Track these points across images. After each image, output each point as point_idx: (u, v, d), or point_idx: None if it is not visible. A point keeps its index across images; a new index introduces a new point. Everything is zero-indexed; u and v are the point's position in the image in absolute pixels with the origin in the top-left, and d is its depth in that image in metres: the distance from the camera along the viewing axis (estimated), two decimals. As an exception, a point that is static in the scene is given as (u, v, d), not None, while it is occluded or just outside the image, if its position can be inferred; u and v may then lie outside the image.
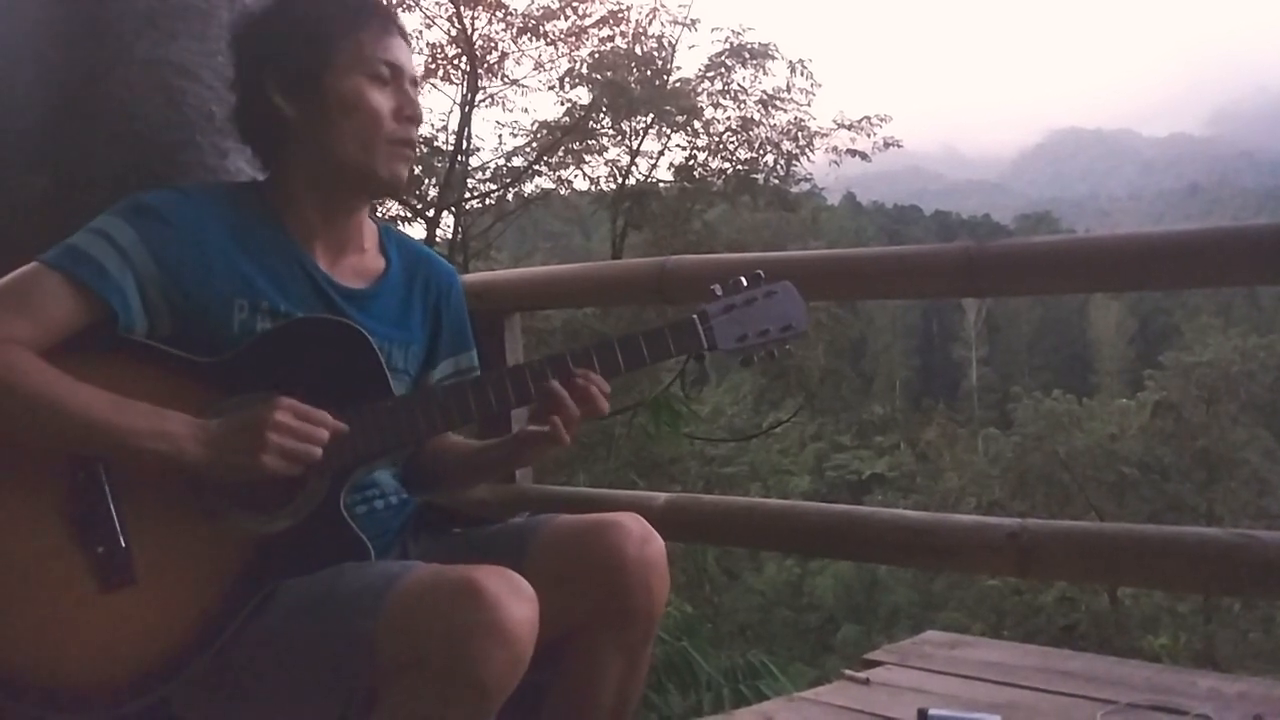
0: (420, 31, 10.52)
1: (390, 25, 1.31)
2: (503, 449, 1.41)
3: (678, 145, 11.41)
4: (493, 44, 10.64)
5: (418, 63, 10.88)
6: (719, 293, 1.28)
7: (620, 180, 11.45)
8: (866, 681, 1.78)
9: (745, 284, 1.28)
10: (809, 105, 11.31)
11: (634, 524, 1.23)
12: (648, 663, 1.30)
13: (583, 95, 11.00)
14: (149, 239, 1.19)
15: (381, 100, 1.27)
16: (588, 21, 10.57)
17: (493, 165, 11.51)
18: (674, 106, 10.86)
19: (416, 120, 1.31)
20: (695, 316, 1.27)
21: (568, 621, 1.20)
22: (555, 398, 1.24)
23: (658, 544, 1.23)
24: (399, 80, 1.29)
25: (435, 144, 10.93)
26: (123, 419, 1.11)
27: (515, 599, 1.04)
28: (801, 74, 11.25)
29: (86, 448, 1.13)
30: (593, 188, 11.75)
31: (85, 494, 1.13)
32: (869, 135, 11.69)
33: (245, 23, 1.33)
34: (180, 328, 1.20)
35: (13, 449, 1.14)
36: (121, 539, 1.13)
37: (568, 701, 1.25)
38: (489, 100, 11.04)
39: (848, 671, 1.84)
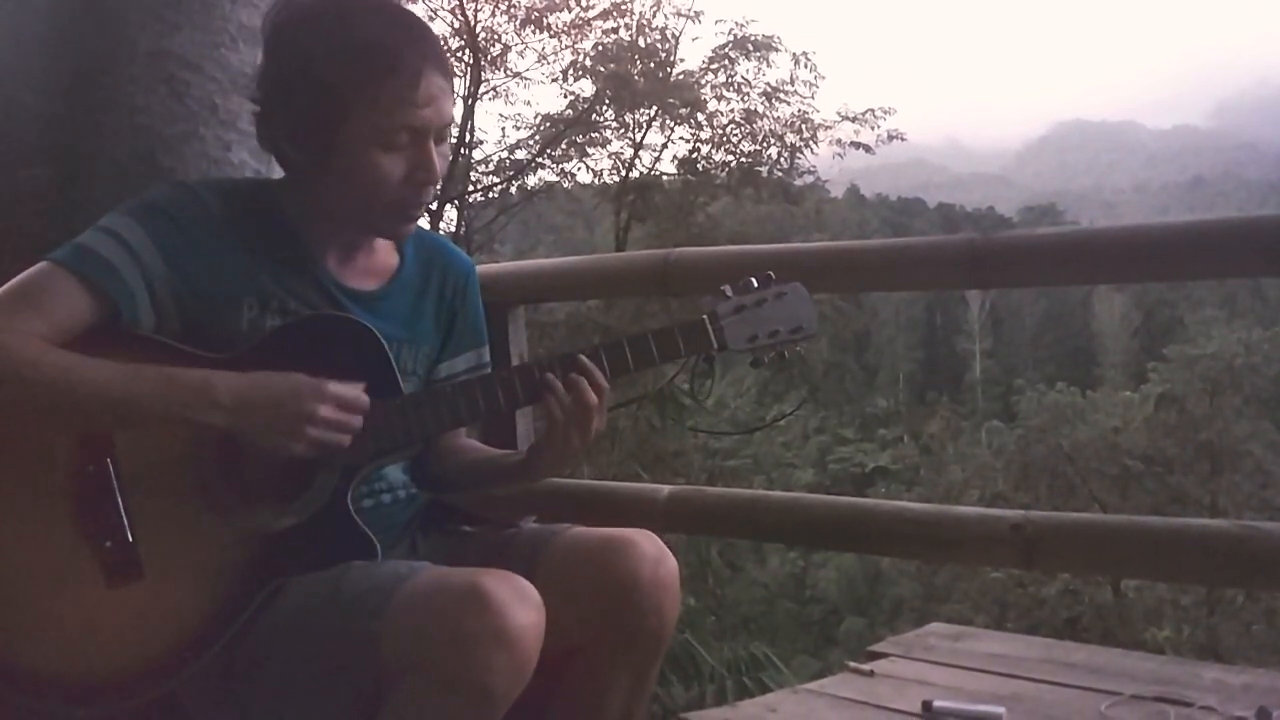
0: (423, 24, 10.50)
1: (420, 73, 1.17)
2: (517, 457, 1.38)
3: (681, 138, 11.43)
4: (496, 36, 10.63)
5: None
6: (729, 293, 1.27)
7: (623, 173, 11.45)
8: (871, 673, 1.79)
9: (756, 284, 1.27)
10: (812, 98, 11.33)
11: (648, 543, 1.23)
12: (654, 681, 1.30)
13: (586, 88, 11.01)
14: (158, 237, 1.18)
15: (392, 166, 1.19)
16: (591, 14, 10.57)
17: (496, 158, 11.54)
18: (677, 99, 10.86)
19: (431, 183, 1.22)
20: (705, 317, 1.26)
21: (575, 636, 1.19)
22: (549, 388, 1.22)
23: (671, 564, 1.23)
24: (420, 140, 1.20)
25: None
26: (134, 389, 1.11)
27: (521, 605, 1.04)
28: (805, 66, 11.26)
29: (106, 420, 1.14)
30: (596, 181, 11.76)
31: (93, 489, 1.14)
32: (873, 128, 11.69)
33: (272, 53, 1.22)
34: (188, 326, 1.20)
35: (21, 444, 1.14)
36: (129, 534, 1.13)
37: (572, 718, 1.25)
38: (492, 93, 11.06)
39: (852, 664, 1.84)
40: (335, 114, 1.17)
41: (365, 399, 1.17)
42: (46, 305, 1.13)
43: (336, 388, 1.14)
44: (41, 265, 1.16)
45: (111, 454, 1.15)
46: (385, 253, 1.36)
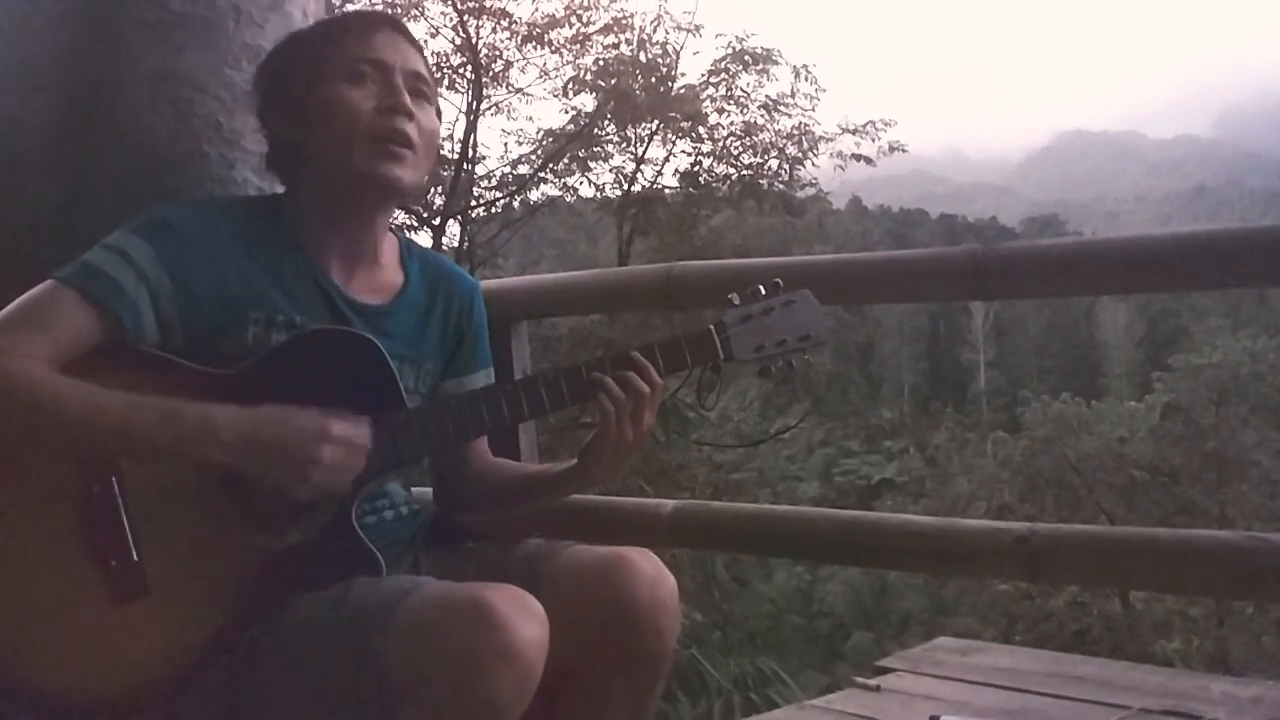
0: (425, 41, 10.56)
1: (375, 26, 1.30)
2: (568, 464, 1.37)
3: (683, 151, 11.43)
4: (497, 52, 10.67)
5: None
6: (736, 302, 1.26)
7: (626, 187, 11.46)
8: (878, 688, 1.78)
9: (763, 293, 1.26)
10: (813, 110, 11.32)
11: (647, 563, 1.22)
12: (656, 702, 1.29)
13: (587, 102, 11.03)
14: (163, 254, 1.19)
15: (359, 97, 1.25)
16: (592, 29, 10.59)
17: (498, 173, 11.56)
18: (679, 112, 10.87)
19: (398, 110, 1.25)
20: (712, 327, 1.25)
21: (576, 657, 1.18)
22: (600, 386, 1.22)
23: (670, 584, 1.22)
24: (386, 75, 1.27)
25: (441, 152, 10.95)
26: (136, 422, 1.11)
27: (525, 619, 1.03)
28: (805, 79, 11.27)
29: (106, 452, 1.14)
30: (598, 194, 11.77)
31: (98, 507, 1.14)
32: (874, 140, 11.69)
33: (257, 72, 1.37)
34: (193, 341, 1.21)
35: (26, 462, 1.14)
36: (134, 552, 1.13)
37: None
38: (494, 108, 11.08)
39: (859, 679, 1.84)
40: (308, 70, 1.27)
41: (368, 438, 1.16)
42: (51, 324, 1.13)
43: (341, 428, 1.14)
44: (46, 284, 1.16)
45: (116, 473, 1.15)
46: (391, 271, 1.37)
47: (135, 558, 1.13)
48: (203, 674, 1.13)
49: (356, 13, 1.36)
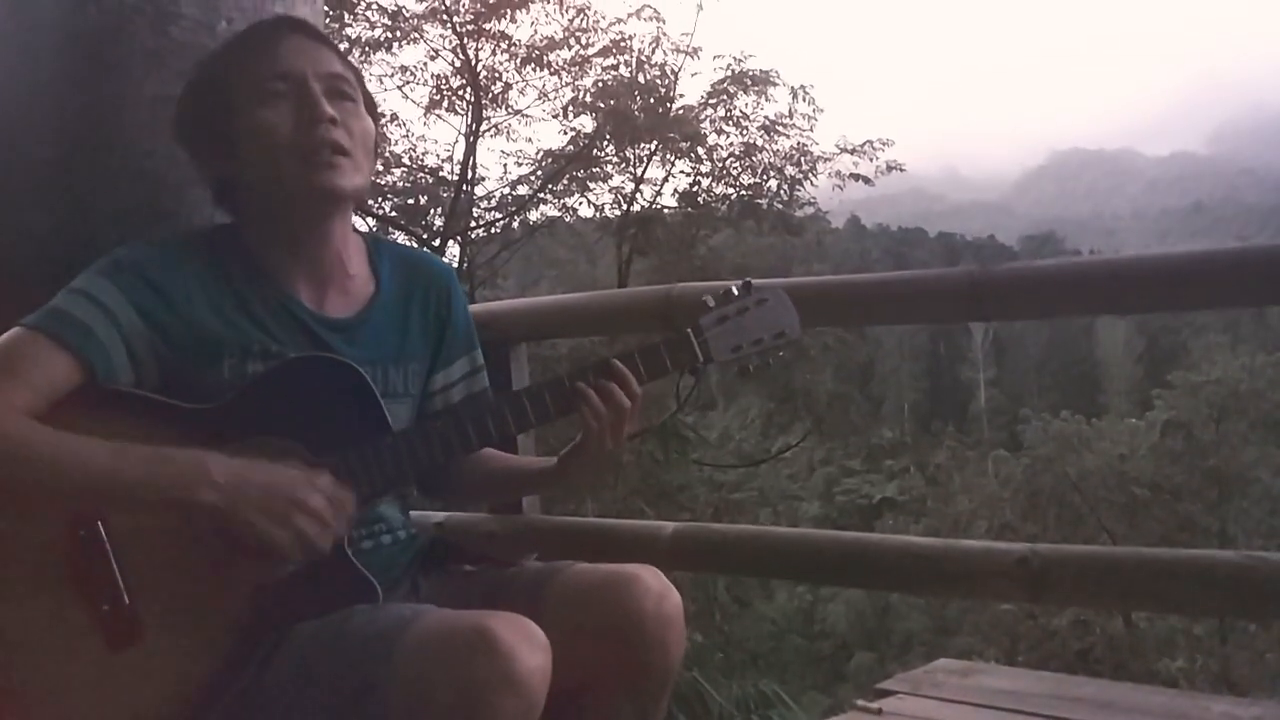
0: (425, 63, 10.65)
1: (279, 35, 1.26)
2: (547, 465, 1.40)
3: (682, 171, 11.50)
4: (497, 75, 10.73)
5: (422, 94, 10.83)
6: (711, 304, 1.29)
7: (625, 207, 11.51)
8: (879, 711, 1.77)
9: (736, 293, 1.30)
10: (811, 130, 11.40)
11: (652, 579, 1.22)
12: (662, 716, 1.29)
13: (586, 124, 11.09)
14: (131, 294, 1.18)
15: (279, 115, 1.22)
16: (591, 51, 10.67)
17: (498, 194, 11.61)
18: (677, 133, 10.93)
19: (319, 119, 1.22)
20: (690, 330, 1.28)
21: (582, 674, 1.18)
22: (582, 397, 1.24)
23: (675, 599, 1.22)
24: (299, 86, 1.23)
25: (441, 174, 11.02)
26: (124, 468, 1.09)
27: (529, 648, 1.03)
28: (803, 99, 11.34)
29: (93, 502, 1.12)
30: (597, 215, 11.82)
31: (87, 553, 1.12)
32: (872, 159, 11.75)
33: (176, 110, 1.33)
34: (169, 379, 1.20)
35: (13, 512, 1.12)
36: (125, 596, 1.11)
37: None
38: (493, 130, 11.14)
39: (860, 702, 1.83)
40: (221, 96, 1.25)
41: (349, 498, 1.16)
42: (25, 373, 1.12)
43: (328, 482, 1.14)
44: (16, 331, 1.14)
45: (104, 516, 1.13)
46: (361, 280, 1.35)
47: (127, 601, 1.11)
48: (206, 713, 1.11)
49: (258, 25, 1.31)
